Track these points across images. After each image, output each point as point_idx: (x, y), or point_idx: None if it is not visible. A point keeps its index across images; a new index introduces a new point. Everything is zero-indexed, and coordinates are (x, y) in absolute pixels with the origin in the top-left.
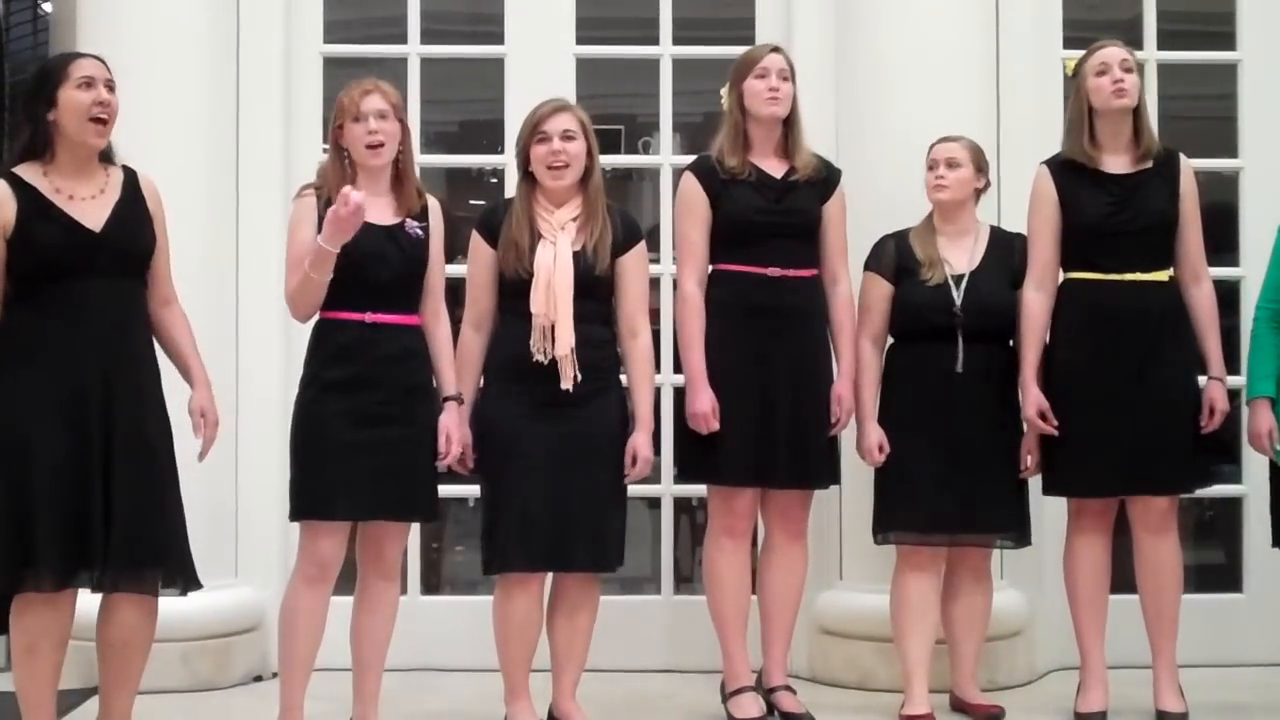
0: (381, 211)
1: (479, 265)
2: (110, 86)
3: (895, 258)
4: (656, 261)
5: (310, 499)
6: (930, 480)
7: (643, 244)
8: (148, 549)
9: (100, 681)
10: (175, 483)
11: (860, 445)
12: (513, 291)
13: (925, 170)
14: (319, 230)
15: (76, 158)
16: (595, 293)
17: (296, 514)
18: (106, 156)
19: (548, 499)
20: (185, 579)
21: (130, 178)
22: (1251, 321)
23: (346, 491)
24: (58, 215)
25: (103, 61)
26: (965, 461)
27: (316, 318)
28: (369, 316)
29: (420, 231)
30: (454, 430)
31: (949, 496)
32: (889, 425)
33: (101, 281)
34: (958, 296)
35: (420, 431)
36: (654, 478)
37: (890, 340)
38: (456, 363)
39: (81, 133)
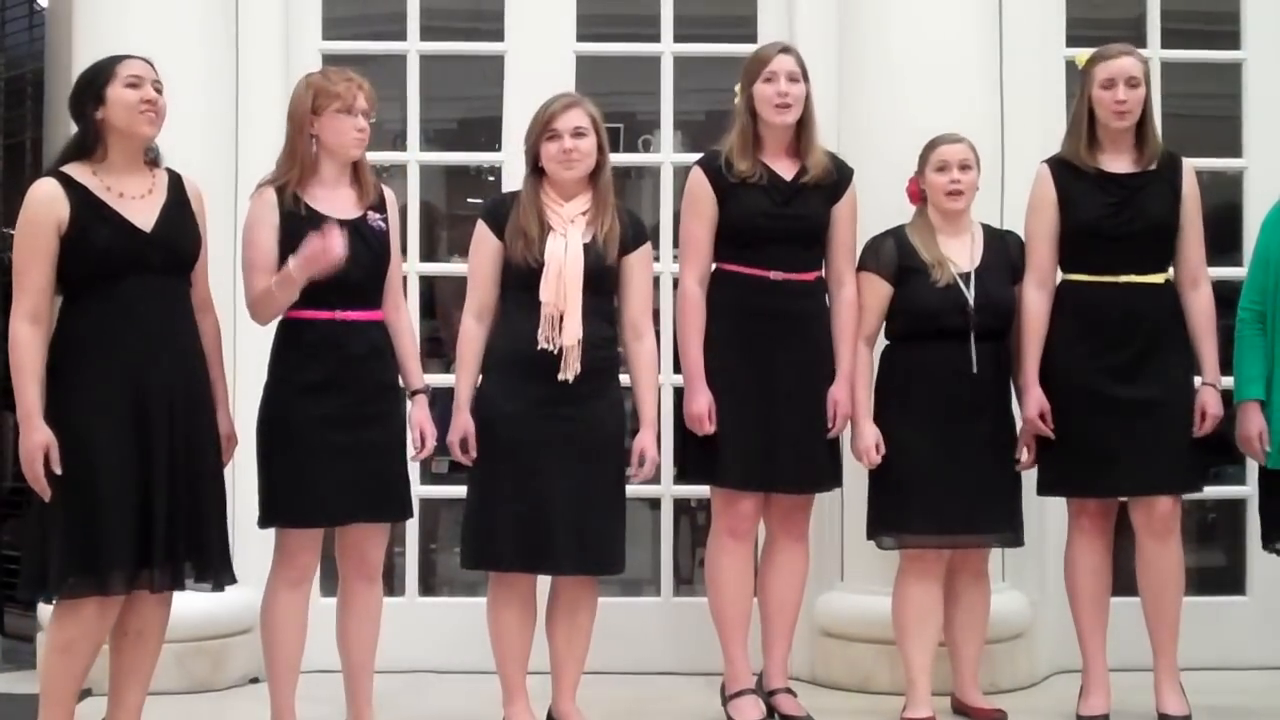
0: (345, 205)
1: (483, 255)
2: (159, 88)
3: (896, 257)
4: (656, 260)
5: (287, 506)
6: (943, 482)
7: (649, 245)
8: (194, 548)
9: (111, 676)
10: (221, 476)
11: (855, 445)
12: (520, 283)
13: (931, 171)
14: (279, 230)
15: (127, 154)
16: (603, 286)
17: (271, 521)
18: (152, 160)
19: (545, 499)
20: (221, 574)
21: (175, 179)
22: (1236, 323)
23: (325, 497)
24: (110, 214)
25: (151, 64)
26: (972, 461)
27: (281, 317)
28: (339, 314)
29: (382, 223)
30: (426, 424)
31: (959, 498)
32: (897, 426)
33: (152, 279)
34: (970, 296)
35: (394, 430)
36: (654, 478)
37: (887, 340)
38: (458, 354)
39: (133, 124)
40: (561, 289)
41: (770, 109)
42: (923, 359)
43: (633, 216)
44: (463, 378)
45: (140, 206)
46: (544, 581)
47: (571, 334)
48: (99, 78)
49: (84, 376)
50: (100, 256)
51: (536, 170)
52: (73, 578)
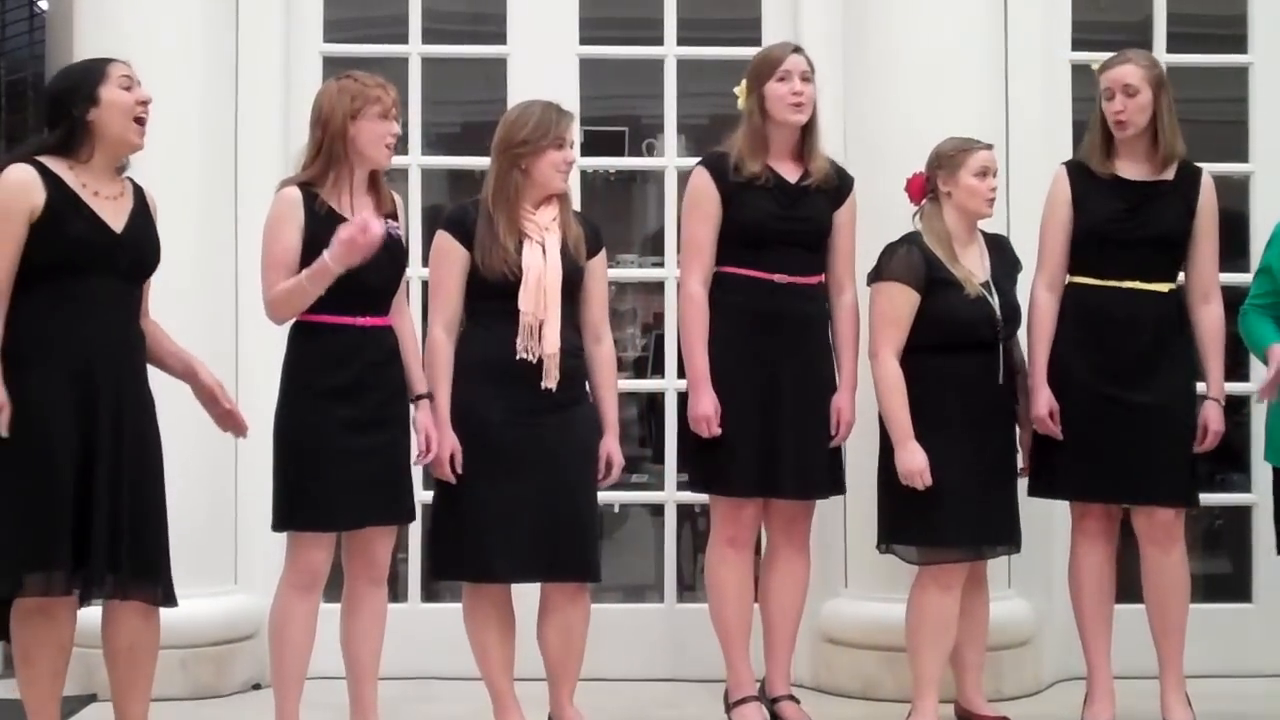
0: (366, 211)
1: (452, 268)
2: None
3: (926, 269)
4: (662, 266)
5: (307, 510)
6: (975, 494)
7: (604, 250)
8: (153, 556)
9: (112, 691)
10: (162, 491)
11: (904, 469)
12: (494, 292)
13: (971, 176)
14: (304, 229)
15: (109, 158)
16: (574, 294)
17: (289, 524)
18: (119, 166)
19: (530, 507)
20: (165, 592)
21: (138, 190)
22: (1242, 315)
23: (343, 501)
24: (85, 210)
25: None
26: (997, 471)
27: (297, 319)
28: (360, 320)
29: (399, 231)
30: (431, 429)
31: (988, 509)
32: (932, 439)
33: (115, 282)
34: (996, 307)
35: (404, 433)
36: (657, 485)
37: (908, 350)
38: (429, 367)
39: (125, 131)
40: (541, 298)
41: (784, 108)
42: (955, 370)
43: (589, 221)
44: (441, 393)
45: (113, 208)
46: (529, 590)
47: (551, 343)
48: (90, 77)
49: (35, 371)
50: (70, 247)
51: (517, 174)
52: (18, 575)
